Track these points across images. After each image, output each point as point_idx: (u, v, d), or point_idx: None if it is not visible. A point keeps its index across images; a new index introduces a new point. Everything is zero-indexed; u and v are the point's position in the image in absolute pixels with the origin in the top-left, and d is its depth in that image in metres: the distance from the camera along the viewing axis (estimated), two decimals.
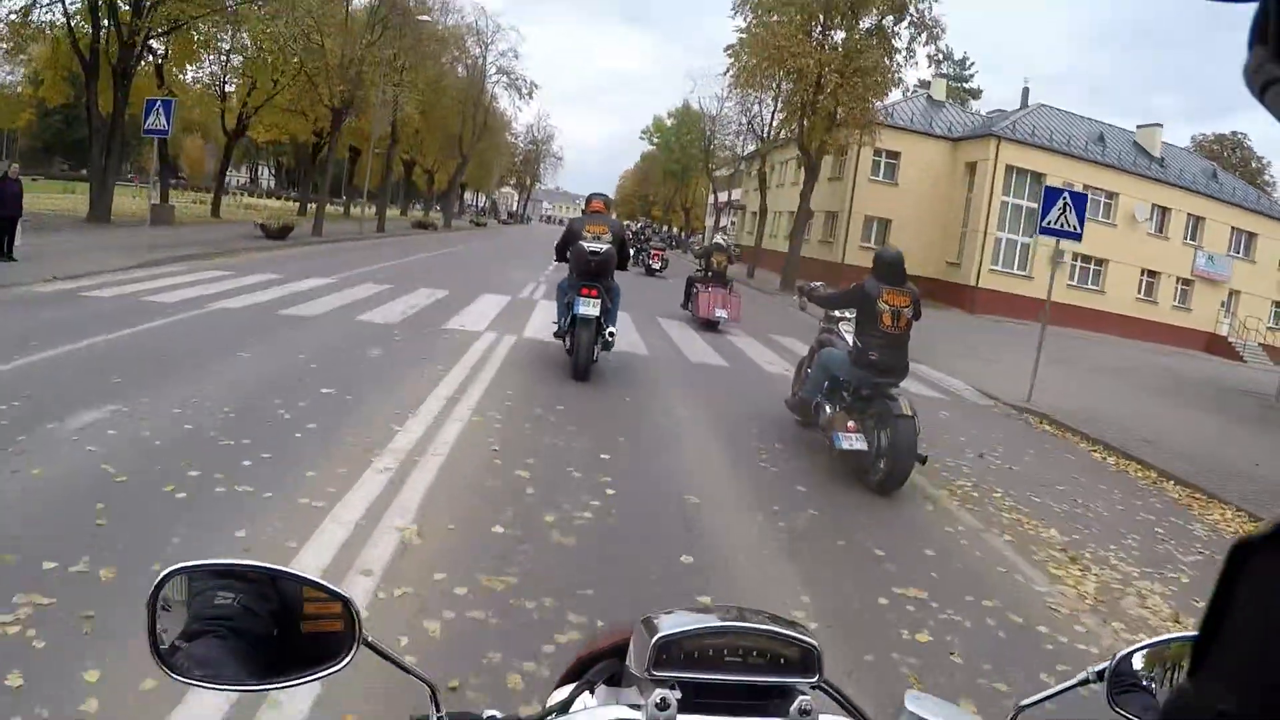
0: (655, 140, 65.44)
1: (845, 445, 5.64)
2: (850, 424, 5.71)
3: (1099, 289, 32.25)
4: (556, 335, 8.30)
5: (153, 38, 21.12)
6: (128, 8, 19.87)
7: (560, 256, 8.14)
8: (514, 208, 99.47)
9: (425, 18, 30.88)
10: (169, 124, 14.00)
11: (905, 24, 25.23)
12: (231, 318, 9.18)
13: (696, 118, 49.01)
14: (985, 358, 15.05)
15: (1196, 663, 0.43)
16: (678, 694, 0.75)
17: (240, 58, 27.15)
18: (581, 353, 7.60)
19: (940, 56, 27.22)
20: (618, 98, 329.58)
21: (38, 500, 3.76)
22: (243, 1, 21.08)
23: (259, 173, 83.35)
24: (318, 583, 0.81)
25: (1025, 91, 40.38)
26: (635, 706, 0.77)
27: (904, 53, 25.63)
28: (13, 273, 10.68)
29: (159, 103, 14.03)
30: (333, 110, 25.11)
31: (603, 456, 5.52)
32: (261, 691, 0.81)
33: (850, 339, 6.00)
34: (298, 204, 39.57)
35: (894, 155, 32.57)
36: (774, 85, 28.39)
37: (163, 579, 0.76)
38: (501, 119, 55.39)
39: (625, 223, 52.71)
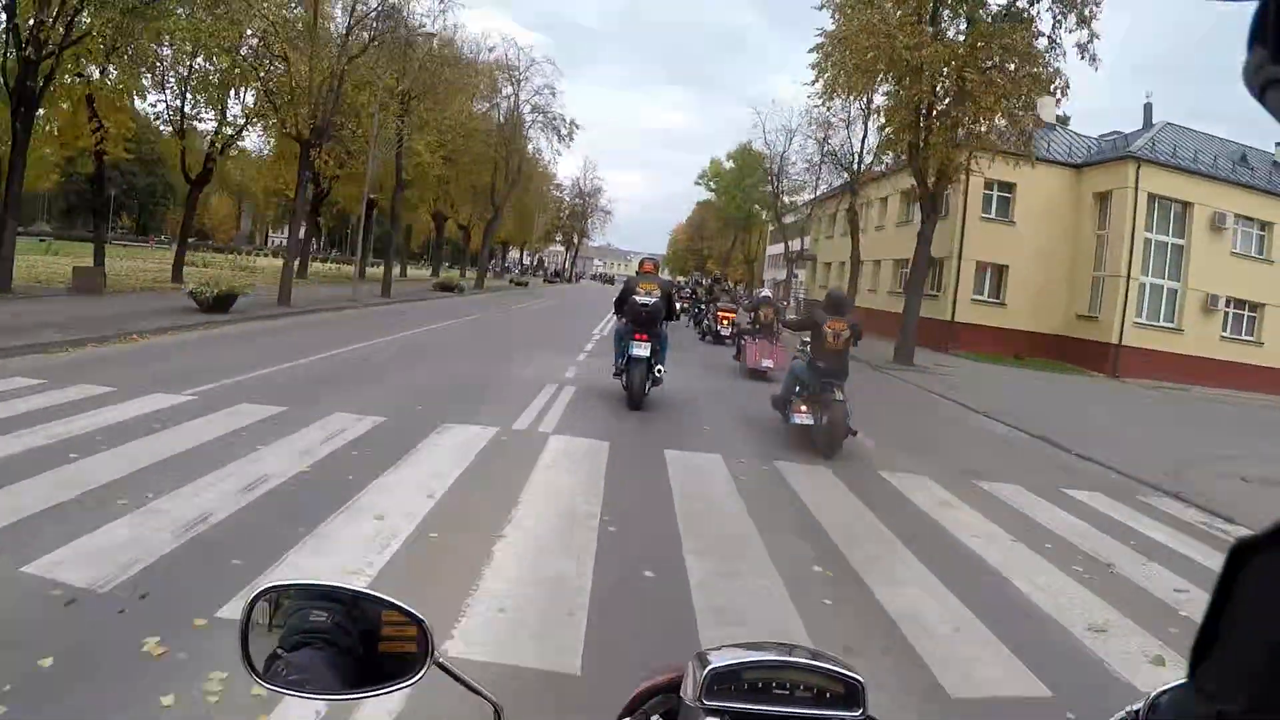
0: (713, 185, 59.17)
1: (796, 420, 7.95)
2: (803, 408, 7.95)
3: (1255, 340, 27.16)
4: (615, 375, 9.64)
5: (61, 48, 15.12)
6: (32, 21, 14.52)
7: (618, 310, 9.65)
8: (561, 266, 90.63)
9: (430, 30, 25.42)
10: None
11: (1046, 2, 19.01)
12: None
13: (759, 158, 43.50)
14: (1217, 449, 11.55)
15: (1196, 663, 0.43)
16: None
17: (193, 86, 22.10)
18: (635, 387, 9.05)
19: (1093, 51, 19.07)
20: (668, 154, 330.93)
21: None
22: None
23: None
24: (397, 605, 0.85)
25: (1148, 108, 31.83)
26: None
27: (1046, 39, 19.31)
28: None
29: None
30: (300, 141, 19.61)
31: None
32: (344, 701, 0.93)
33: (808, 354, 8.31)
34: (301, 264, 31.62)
35: (1007, 187, 26.51)
36: (865, 102, 23.35)
37: (255, 598, 0.81)
38: (540, 167, 49.02)
39: (682, 280, 46.73)
